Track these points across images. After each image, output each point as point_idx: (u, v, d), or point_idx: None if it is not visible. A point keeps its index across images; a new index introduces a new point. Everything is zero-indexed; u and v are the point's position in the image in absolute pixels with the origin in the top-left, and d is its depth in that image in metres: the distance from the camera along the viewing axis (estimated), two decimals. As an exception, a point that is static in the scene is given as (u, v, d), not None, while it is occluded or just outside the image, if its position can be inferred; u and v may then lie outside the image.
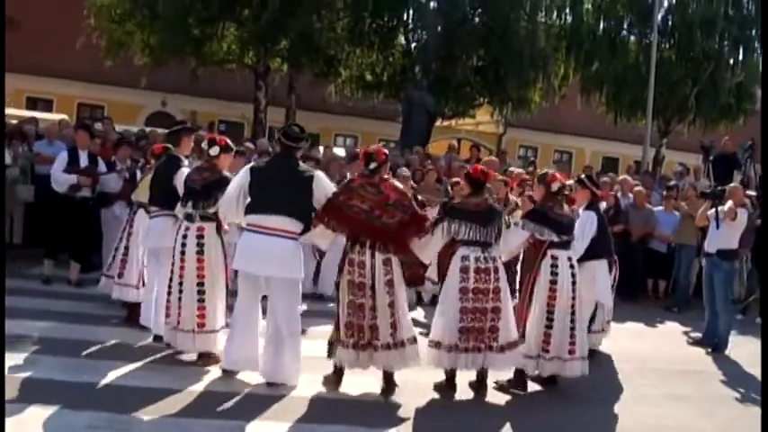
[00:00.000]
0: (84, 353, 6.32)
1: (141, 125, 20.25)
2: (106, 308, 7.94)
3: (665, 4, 23.35)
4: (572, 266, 6.45)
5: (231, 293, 6.37)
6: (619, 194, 12.12)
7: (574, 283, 6.42)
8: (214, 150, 6.47)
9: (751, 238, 11.58)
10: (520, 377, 6.41)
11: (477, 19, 21.68)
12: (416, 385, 6.09)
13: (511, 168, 11.47)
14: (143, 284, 7.43)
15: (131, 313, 7.52)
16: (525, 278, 6.64)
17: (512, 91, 21.40)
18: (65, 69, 23.72)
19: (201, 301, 6.21)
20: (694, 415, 6.41)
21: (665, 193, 12.90)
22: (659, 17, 22.14)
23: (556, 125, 28.89)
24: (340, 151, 15.89)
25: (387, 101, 23.02)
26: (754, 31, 23.17)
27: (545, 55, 21.41)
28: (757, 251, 11.76)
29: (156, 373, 6.00)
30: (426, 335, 6.33)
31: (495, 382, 6.35)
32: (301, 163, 6.13)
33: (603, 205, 8.72)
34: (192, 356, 6.41)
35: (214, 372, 6.10)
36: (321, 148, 14.37)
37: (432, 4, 21.89)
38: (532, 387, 6.51)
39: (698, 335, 9.44)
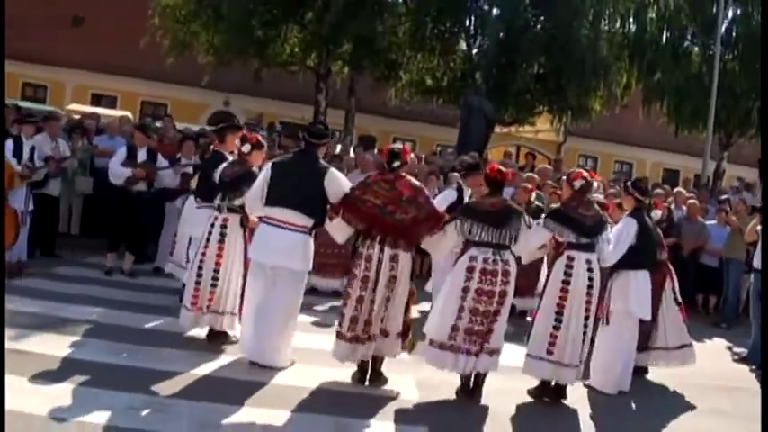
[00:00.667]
0: (129, 338, 6.56)
1: (203, 124, 20.71)
2: (157, 297, 8.26)
3: (730, 14, 22.86)
4: (590, 270, 6.15)
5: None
6: (672, 207, 11.99)
7: (590, 287, 6.15)
8: (246, 148, 6.81)
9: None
10: (548, 386, 6.29)
11: (539, 26, 21.60)
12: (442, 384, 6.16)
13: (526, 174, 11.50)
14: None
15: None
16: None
17: (572, 99, 21.30)
18: (129, 67, 24.39)
19: (214, 285, 6.60)
20: (730, 430, 6.34)
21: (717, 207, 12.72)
22: (723, 28, 21.72)
23: (616, 135, 28.58)
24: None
25: (446, 106, 23.10)
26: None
27: (606, 63, 21.25)
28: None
29: (198, 359, 6.18)
30: None
31: (528, 390, 6.30)
32: (321, 160, 6.28)
33: (658, 214, 8.25)
34: (202, 335, 6.78)
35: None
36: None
37: (494, 10, 21.85)
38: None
39: (744, 351, 9.29)
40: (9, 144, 8.59)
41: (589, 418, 6.13)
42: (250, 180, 6.38)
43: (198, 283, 6.64)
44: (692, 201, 12.30)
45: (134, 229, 9.37)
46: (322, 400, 5.63)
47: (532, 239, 6.16)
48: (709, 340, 10.31)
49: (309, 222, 6.08)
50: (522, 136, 27.06)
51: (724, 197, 13.57)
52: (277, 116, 25.40)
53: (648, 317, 7.02)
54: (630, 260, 6.73)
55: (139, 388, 5.33)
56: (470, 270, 5.85)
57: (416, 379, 6.25)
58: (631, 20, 23.41)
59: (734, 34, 22.98)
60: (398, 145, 6.34)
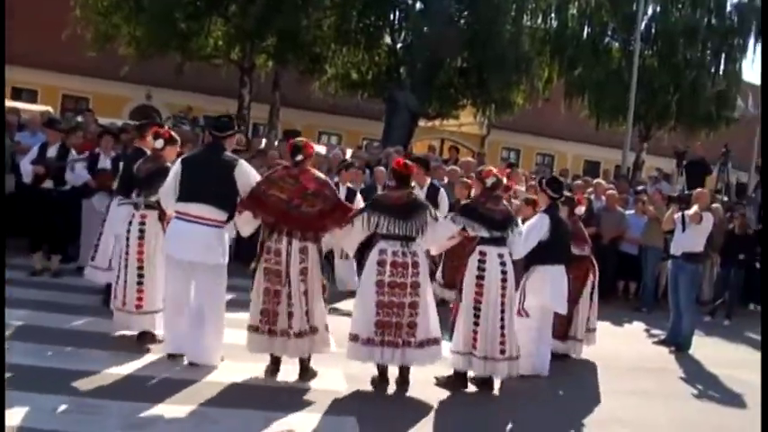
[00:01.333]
0: (55, 340, 6.42)
1: (125, 118, 20.28)
2: (81, 297, 8.07)
3: (649, 11, 23.61)
4: (503, 263, 6.27)
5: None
6: (592, 197, 12.31)
7: (504, 280, 6.27)
8: (159, 143, 6.82)
9: (720, 241, 11.86)
10: (460, 375, 6.38)
11: (462, 21, 21.88)
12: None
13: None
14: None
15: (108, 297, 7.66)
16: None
17: (495, 93, 21.67)
18: (51, 60, 23.64)
19: (140, 283, 6.62)
20: (651, 409, 6.58)
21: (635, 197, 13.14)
22: (642, 24, 22.39)
23: (538, 128, 29.15)
24: (321, 149, 16.01)
25: (371, 100, 23.15)
26: (735, 41, 23.52)
27: (528, 58, 21.77)
28: (727, 254, 12.03)
29: (125, 359, 6.10)
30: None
31: (436, 378, 6.37)
32: (228, 153, 6.27)
33: (581, 210, 8.44)
34: (133, 336, 6.71)
35: (181, 360, 6.21)
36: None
37: (418, 5, 22.03)
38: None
39: (663, 334, 9.63)
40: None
41: (513, 404, 6.26)
42: (164, 176, 6.34)
43: (125, 282, 6.64)
44: (611, 191, 12.67)
45: (48, 229, 9.14)
46: (251, 396, 5.63)
47: (440, 232, 6.24)
48: (629, 324, 10.70)
49: (223, 216, 6.08)
50: (445, 129, 27.27)
51: (641, 188, 14.02)
52: (201, 110, 24.99)
53: (564, 311, 7.18)
54: (544, 256, 6.89)
55: (67, 390, 5.25)
56: (381, 264, 5.92)
57: (345, 372, 6.29)
58: (553, 15, 24.03)
59: (653, 30, 23.71)
60: (300, 139, 6.36)
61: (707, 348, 9.32)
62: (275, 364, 6.08)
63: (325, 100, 24.06)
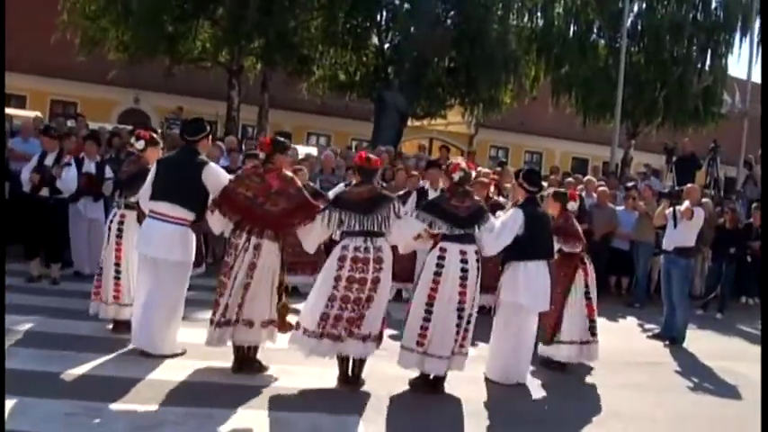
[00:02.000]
0: (59, 345, 6.43)
1: (114, 122, 20.26)
2: (79, 302, 7.98)
3: (635, 8, 23.78)
4: (464, 261, 6.05)
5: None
6: (583, 194, 12.38)
7: (464, 278, 6.03)
8: (140, 144, 7.08)
9: (711, 236, 11.97)
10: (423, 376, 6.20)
11: (449, 21, 21.96)
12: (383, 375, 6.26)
13: (479, 169, 11.67)
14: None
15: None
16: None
17: (482, 92, 21.76)
18: (39, 65, 23.52)
19: (117, 278, 7.00)
20: (647, 402, 6.64)
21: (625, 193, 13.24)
22: (629, 21, 22.60)
23: (526, 126, 29.30)
24: (312, 150, 16.06)
25: (359, 100, 23.16)
26: (721, 37, 23.67)
27: (516, 57, 21.84)
28: (718, 249, 12.15)
29: (129, 363, 6.14)
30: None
31: (411, 380, 6.23)
32: (199, 156, 6.41)
33: (574, 206, 8.16)
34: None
35: (187, 363, 6.24)
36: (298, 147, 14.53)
37: (405, 5, 22.04)
38: (475, 382, 6.54)
39: (656, 328, 9.73)
40: None
41: (508, 400, 6.27)
42: (145, 177, 6.53)
43: (100, 275, 7.07)
44: (601, 188, 12.77)
45: (46, 237, 9.15)
46: (255, 397, 5.65)
47: (405, 230, 6.12)
48: (622, 319, 10.78)
49: (189, 215, 6.28)
50: (434, 129, 27.36)
51: (631, 184, 14.11)
52: (190, 113, 24.92)
53: (543, 308, 6.75)
54: (519, 251, 6.56)
55: (73, 394, 5.27)
56: (342, 259, 5.88)
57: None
58: (539, 14, 24.13)
59: (639, 27, 23.85)
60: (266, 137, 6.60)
61: (700, 342, 9.42)
62: (239, 362, 6.13)
63: (314, 101, 24.07)
